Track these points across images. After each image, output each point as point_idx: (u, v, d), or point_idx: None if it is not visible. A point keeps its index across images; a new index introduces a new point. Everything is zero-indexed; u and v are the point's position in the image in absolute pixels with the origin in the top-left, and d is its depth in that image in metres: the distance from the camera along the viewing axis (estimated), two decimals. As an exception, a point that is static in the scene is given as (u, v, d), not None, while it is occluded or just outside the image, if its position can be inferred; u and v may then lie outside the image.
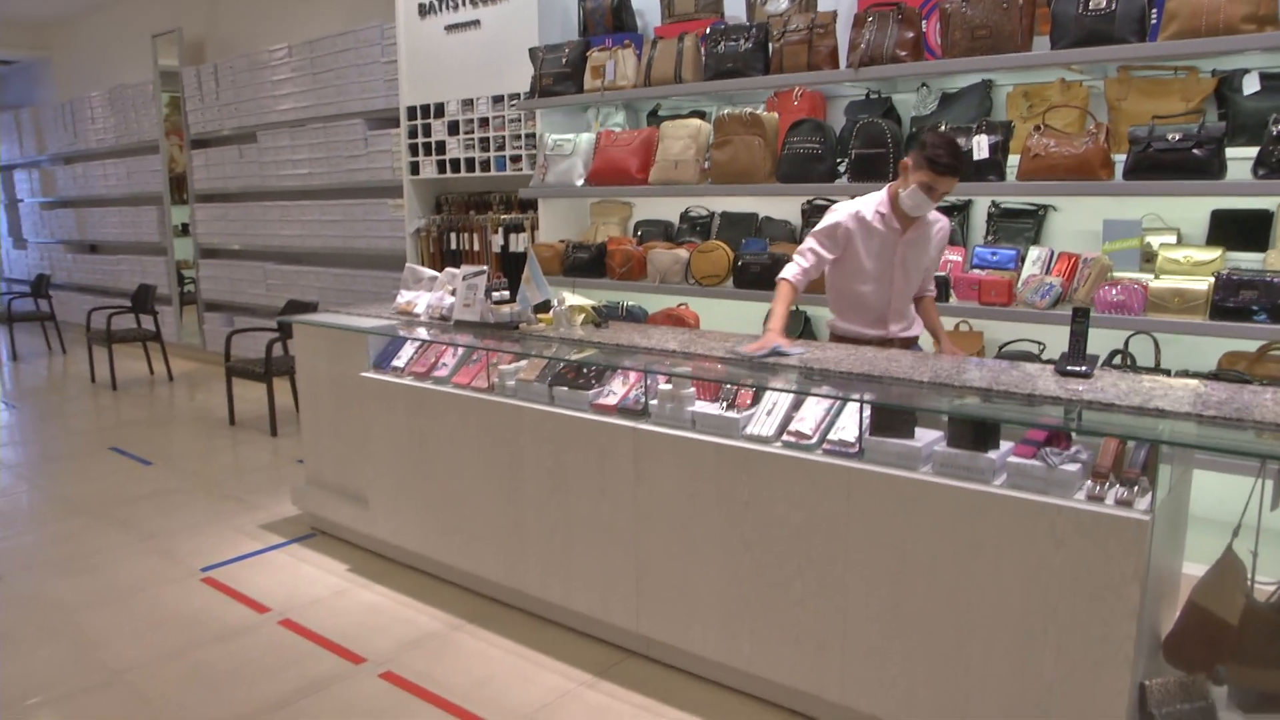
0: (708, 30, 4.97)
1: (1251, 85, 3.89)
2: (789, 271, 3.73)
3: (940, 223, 3.83)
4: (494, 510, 3.86)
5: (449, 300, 4.32)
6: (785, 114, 4.92)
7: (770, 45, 4.79)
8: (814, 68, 4.66)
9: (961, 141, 4.20)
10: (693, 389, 3.29)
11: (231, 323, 9.12)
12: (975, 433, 2.67)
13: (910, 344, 3.91)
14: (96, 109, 11.02)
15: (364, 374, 4.39)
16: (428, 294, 4.54)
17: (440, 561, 4.19)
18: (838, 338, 3.95)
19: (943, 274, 4.31)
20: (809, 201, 5.06)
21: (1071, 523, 2.43)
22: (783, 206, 5.18)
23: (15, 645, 3.82)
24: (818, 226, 3.80)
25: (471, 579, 4.10)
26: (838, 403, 3.00)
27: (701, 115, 5.36)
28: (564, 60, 5.49)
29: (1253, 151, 3.69)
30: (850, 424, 2.91)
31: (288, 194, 8.53)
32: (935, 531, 2.65)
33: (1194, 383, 2.95)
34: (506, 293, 4.05)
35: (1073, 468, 2.51)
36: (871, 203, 3.74)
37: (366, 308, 5.09)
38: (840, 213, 3.76)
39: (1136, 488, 2.45)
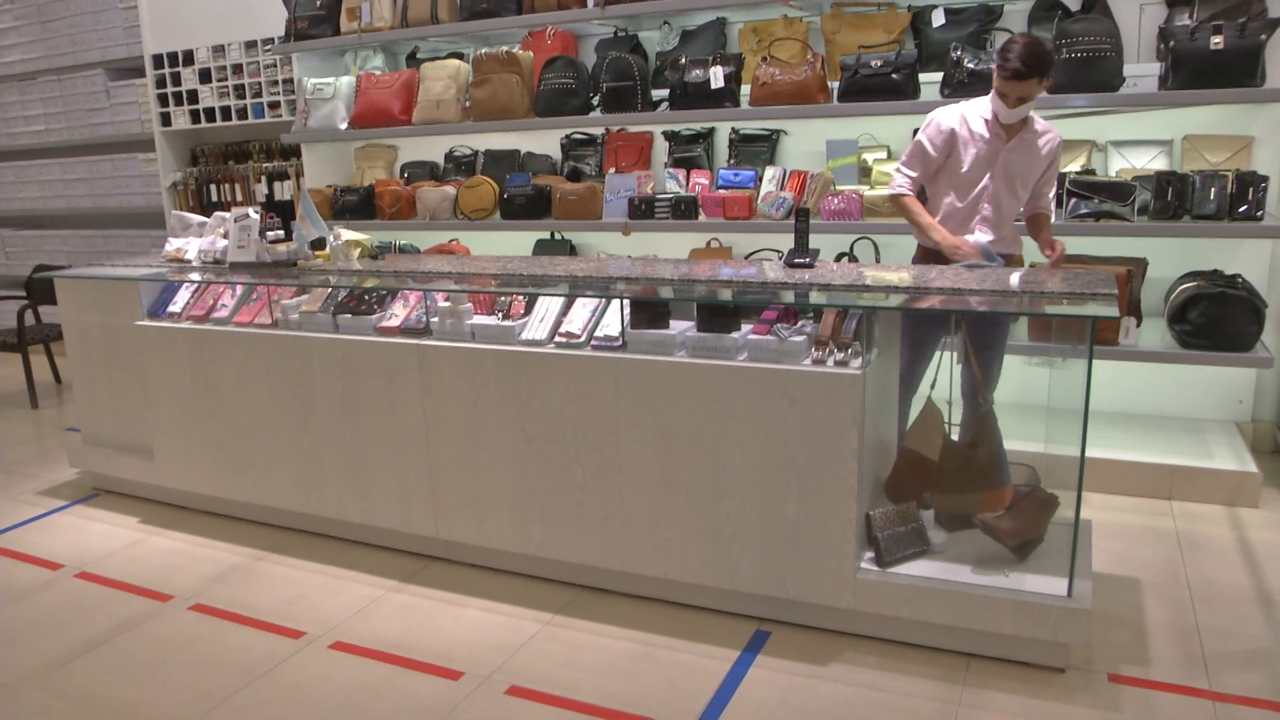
0: (465, -28, 5.16)
1: (938, 19, 4.51)
2: (900, 184, 3.60)
3: (1049, 134, 3.51)
4: (287, 442, 4.00)
5: (222, 244, 4.36)
6: (540, 53, 5.20)
7: (522, -14, 5.04)
8: (564, 8, 4.95)
9: (699, 73, 4.63)
10: (469, 304, 3.56)
11: (-31, 296, 8.52)
12: (720, 317, 3.10)
13: (1008, 261, 3.61)
14: None
15: (139, 323, 4.37)
16: (198, 240, 4.55)
17: (236, 500, 4.28)
18: (924, 252, 3.70)
19: (692, 195, 4.75)
20: (567, 136, 5.39)
21: (801, 384, 2.90)
22: (543, 140, 5.48)
23: None
24: (921, 130, 3.59)
25: (270, 513, 4.23)
26: (602, 303, 3.36)
27: (460, 56, 5.55)
28: (318, 3, 5.52)
29: (940, 76, 4.30)
30: (614, 321, 3.28)
31: (22, 154, 8.01)
32: (692, 406, 3.07)
33: (900, 268, 3.49)
34: (281, 232, 4.15)
35: (800, 339, 2.98)
36: (977, 107, 3.52)
37: (131, 259, 5.01)
38: (944, 115, 3.55)
39: (850, 350, 2.94)
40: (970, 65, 4.17)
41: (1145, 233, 4.14)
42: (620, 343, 3.22)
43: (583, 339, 3.29)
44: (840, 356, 2.93)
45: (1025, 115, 3.42)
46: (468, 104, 5.19)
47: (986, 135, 3.46)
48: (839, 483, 2.91)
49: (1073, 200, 4.15)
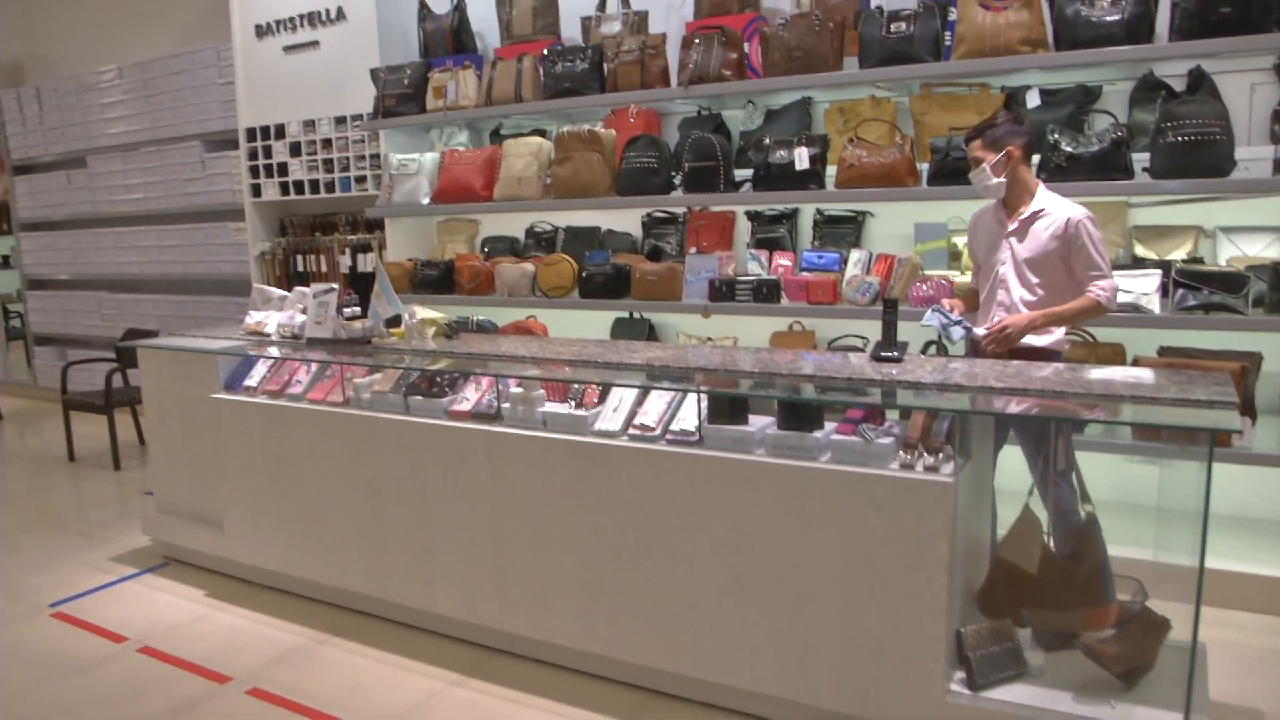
0: (545, 51, 5.18)
1: (1033, 100, 4.35)
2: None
3: (1052, 216, 3.39)
4: (354, 522, 3.93)
5: (300, 318, 4.37)
6: (622, 130, 5.16)
7: (605, 65, 5.04)
8: (647, 86, 4.92)
9: (783, 154, 4.54)
10: (542, 391, 3.47)
11: (65, 356, 8.76)
12: (801, 415, 2.94)
13: (1040, 355, 3.45)
14: (-98, 136, 10.40)
15: (215, 395, 4.38)
16: (278, 313, 4.56)
17: (301, 578, 4.22)
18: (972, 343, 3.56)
19: (774, 278, 4.63)
20: (648, 214, 5.33)
21: (888, 490, 2.72)
22: (623, 219, 5.43)
23: None
24: None
25: (334, 593, 4.15)
26: (678, 395, 3.23)
27: (542, 133, 5.56)
28: (406, 81, 5.60)
29: (1035, 159, 4.13)
30: (690, 415, 3.15)
31: (122, 220, 8.28)
32: (770, 507, 2.91)
33: (992, 362, 3.30)
34: (358, 308, 4.13)
35: (887, 441, 2.81)
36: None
37: (214, 330, 5.06)
38: (979, 209, 3.65)
39: (941, 455, 2.76)
40: (1068, 149, 4.00)
41: (1260, 326, 3.87)
42: (697, 438, 3.08)
43: (658, 432, 3.16)
44: (930, 461, 2.74)
45: (990, 184, 3.41)
46: (549, 181, 5.17)
47: (995, 224, 3.53)
48: (928, 596, 2.71)
49: (1180, 291, 3.91)
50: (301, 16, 6.28)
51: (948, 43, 4.29)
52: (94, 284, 8.66)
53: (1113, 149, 3.93)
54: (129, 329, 7.44)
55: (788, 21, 4.55)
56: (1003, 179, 3.41)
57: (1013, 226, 3.45)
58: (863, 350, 4.39)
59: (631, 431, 3.21)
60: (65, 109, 8.43)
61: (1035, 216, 3.41)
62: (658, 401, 3.25)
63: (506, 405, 3.50)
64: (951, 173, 4.20)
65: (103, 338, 8.35)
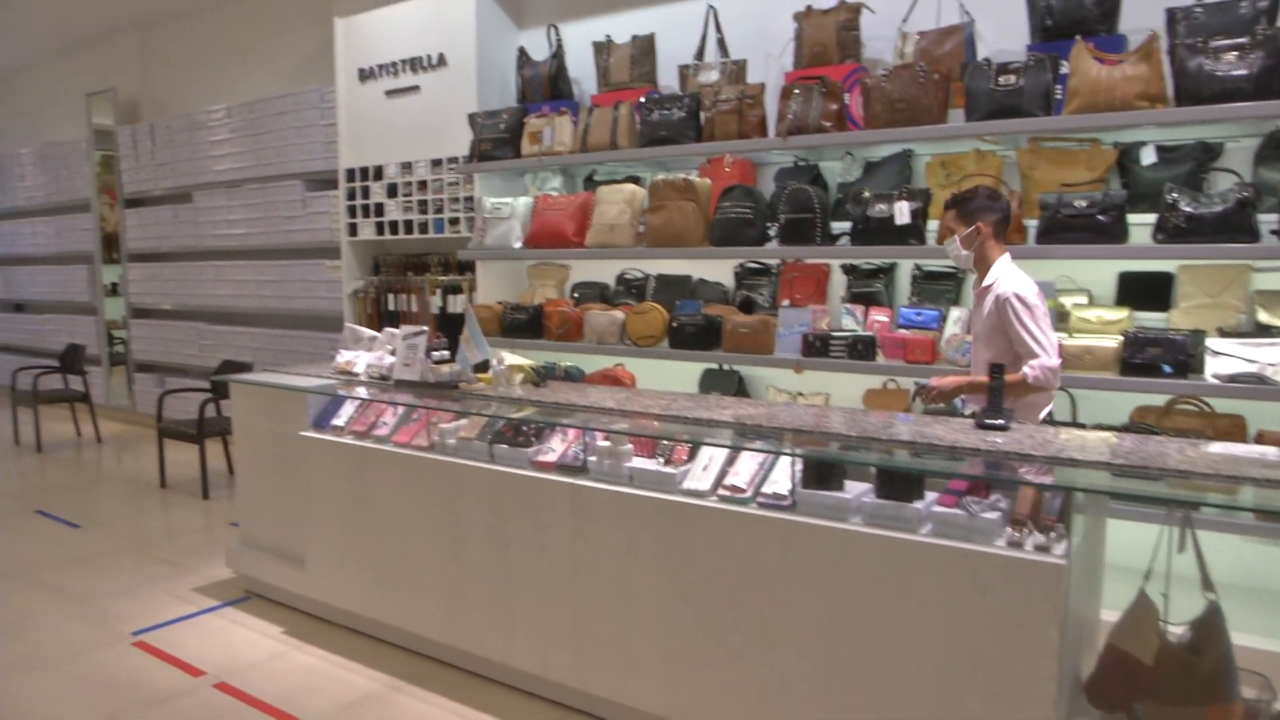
0: (642, 99, 5.16)
1: (1149, 157, 4.16)
2: None
3: (994, 287, 3.52)
4: (434, 568, 3.88)
5: (389, 360, 4.37)
6: (717, 180, 5.10)
7: (702, 114, 4.99)
8: (744, 136, 4.85)
9: (883, 207, 4.42)
10: (630, 445, 3.38)
11: (163, 384, 9.00)
12: (901, 484, 2.80)
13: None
14: (27, 167, 10.88)
15: (303, 433, 4.40)
16: (367, 354, 4.58)
17: (379, 621, 4.19)
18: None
19: (869, 334, 4.49)
20: (741, 264, 5.24)
21: (993, 568, 2.56)
22: (716, 269, 5.35)
23: (-62, 715, 3.74)
24: None
25: (411, 638, 4.10)
26: (771, 457, 3.11)
27: (636, 180, 5.53)
28: (502, 126, 5.63)
29: (1152, 218, 3.94)
30: (783, 478, 3.03)
31: (223, 254, 8.50)
32: (866, 580, 2.76)
33: (1105, 434, 3.12)
34: (446, 352, 4.11)
35: (993, 516, 2.65)
36: None
37: (305, 367, 5.11)
38: None
39: (1053, 534, 2.59)
40: (1188, 209, 3.80)
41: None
42: (789, 502, 2.95)
43: (749, 494, 3.04)
44: (1041, 540, 2.57)
45: (960, 256, 3.62)
46: (642, 229, 5.13)
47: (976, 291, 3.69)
48: (1034, 686, 2.53)
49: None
50: (404, 61, 6.40)
51: (1059, 96, 4.14)
52: (194, 315, 8.90)
53: (1237, 209, 3.72)
54: (225, 360, 7.60)
55: (890, 72, 4.45)
56: (970, 252, 3.61)
57: (976, 298, 3.66)
58: (961, 414, 4.22)
59: (721, 492, 3.10)
60: (176, 145, 8.73)
61: (985, 290, 3.57)
62: (749, 462, 3.14)
63: (593, 458, 3.42)
64: (1061, 229, 4.03)
65: (200, 367, 8.55)
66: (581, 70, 5.83)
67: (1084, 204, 4.02)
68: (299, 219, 7.55)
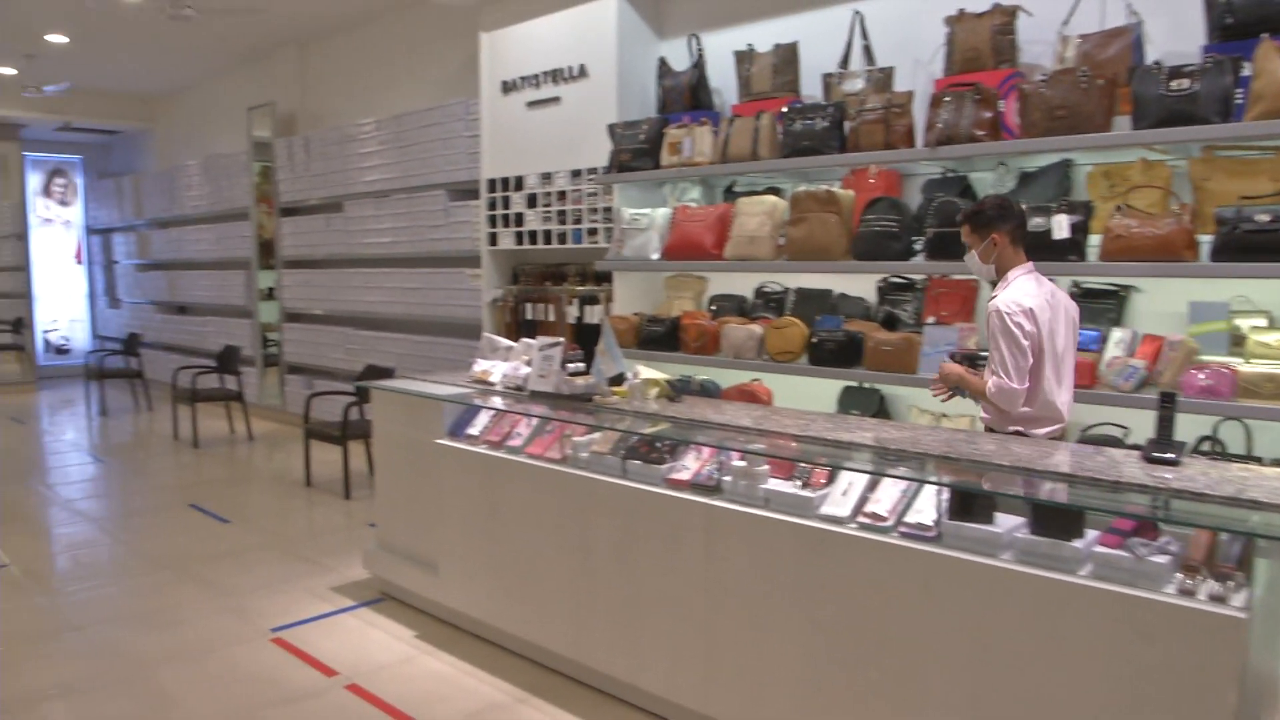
0: (784, 109, 5.03)
1: (1345, 167, 3.81)
2: None
3: (993, 300, 3.57)
4: (563, 582, 3.85)
5: (524, 370, 4.38)
6: (861, 192, 4.93)
7: (846, 124, 4.83)
8: (890, 146, 4.68)
9: (1040, 221, 4.17)
10: (766, 466, 3.27)
11: (311, 385, 9.33)
12: (1059, 520, 2.60)
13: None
14: (193, 177, 11.50)
15: (439, 441, 4.45)
16: (504, 363, 4.60)
17: (507, 631, 4.18)
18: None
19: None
20: (885, 279, 5.05)
21: (1162, 618, 2.34)
22: (858, 284, 5.17)
23: (91, 697, 3.91)
24: None
25: (538, 650, 4.08)
26: (915, 484, 2.95)
27: (777, 192, 5.40)
28: (642, 137, 5.59)
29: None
30: (928, 507, 2.87)
31: (371, 261, 8.76)
32: (1017, 622, 2.58)
33: (1289, 473, 2.84)
34: (582, 364, 4.09)
35: (1162, 560, 2.43)
36: None
37: (443, 375, 5.17)
38: None
39: (1231, 582, 2.35)
40: (1391, 226, 3.45)
41: None
42: (934, 534, 2.79)
43: (890, 523, 2.89)
44: (1217, 589, 2.34)
45: (980, 269, 3.64)
46: (782, 241, 5.00)
47: None
48: (1207, 750, 2.30)
49: None
50: (546, 73, 6.45)
51: (1239, 100, 3.83)
52: (342, 320, 9.20)
53: None
54: (369, 365, 7.80)
55: (1050, 77, 4.20)
56: (990, 264, 3.59)
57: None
58: (1123, 443, 3.94)
59: (861, 519, 2.96)
60: (328, 157, 9.04)
61: (993, 300, 3.56)
62: (891, 489, 2.98)
63: (728, 478, 3.33)
64: (1240, 247, 3.72)
65: (346, 371, 8.82)
66: (722, 80, 5.74)
67: (1267, 218, 3.70)
68: (442, 228, 7.70)
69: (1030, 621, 2.55)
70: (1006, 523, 2.73)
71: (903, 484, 2.98)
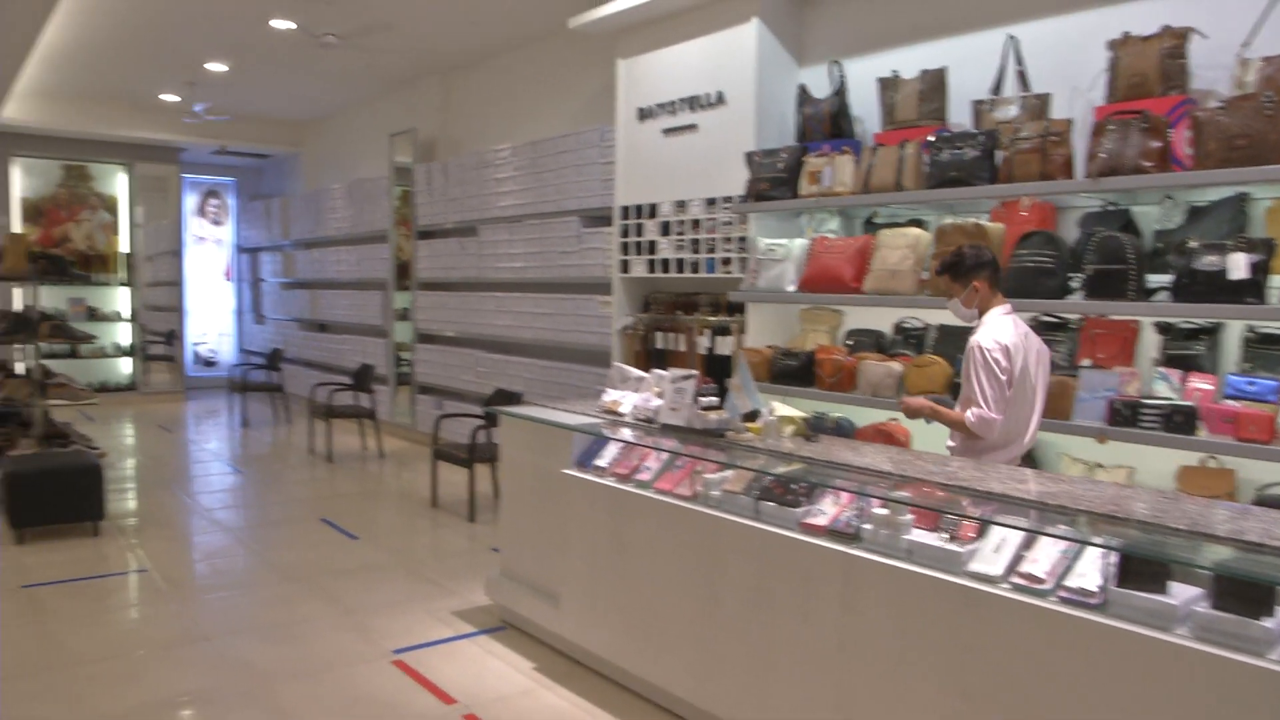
0: (931, 137, 4.83)
1: None
2: None
3: (972, 338, 3.83)
4: (689, 624, 3.71)
5: (655, 402, 4.28)
6: (1012, 225, 4.68)
7: (998, 153, 4.60)
8: (1046, 177, 4.43)
9: (1214, 259, 3.86)
10: (910, 516, 3.07)
11: (441, 406, 9.47)
12: (1245, 594, 2.34)
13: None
14: (336, 200, 11.89)
15: (566, 471, 4.38)
16: (634, 394, 4.51)
17: (629, 670, 4.07)
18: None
19: (1189, 404, 3.94)
20: (1035, 318, 4.77)
21: (1370, 714, 2.07)
22: (1006, 321, 4.90)
23: (214, 708, 3.97)
24: None
25: (659, 693, 3.95)
26: (1077, 545, 2.72)
27: (920, 224, 5.19)
28: (780, 165, 5.46)
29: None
30: (1091, 570, 2.63)
31: (503, 285, 8.85)
32: (1193, 706, 2.32)
33: None
34: (715, 399, 3.97)
35: (1370, 648, 2.15)
36: None
37: (571, 403, 5.12)
38: None
39: None
40: None
41: None
42: (1099, 600, 2.55)
43: (1048, 586, 2.66)
44: None
45: (964, 314, 3.93)
46: (925, 275, 4.78)
47: None
48: None
49: None
50: (683, 100, 6.39)
51: None
52: (473, 342, 9.31)
53: None
54: (498, 389, 7.85)
55: (1228, 104, 3.90)
56: (974, 309, 3.88)
57: None
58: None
59: (1015, 579, 2.74)
60: (465, 182, 9.20)
61: (972, 337, 3.79)
62: (1050, 547, 2.75)
63: (868, 526, 3.14)
64: None
65: (475, 393, 8.91)
66: (864, 108, 5.57)
67: None
68: (574, 254, 7.71)
69: (1210, 706, 2.29)
70: (1182, 593, 2.48)
71: (1063, 543, 2.75)
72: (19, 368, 8.02)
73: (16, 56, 8.81)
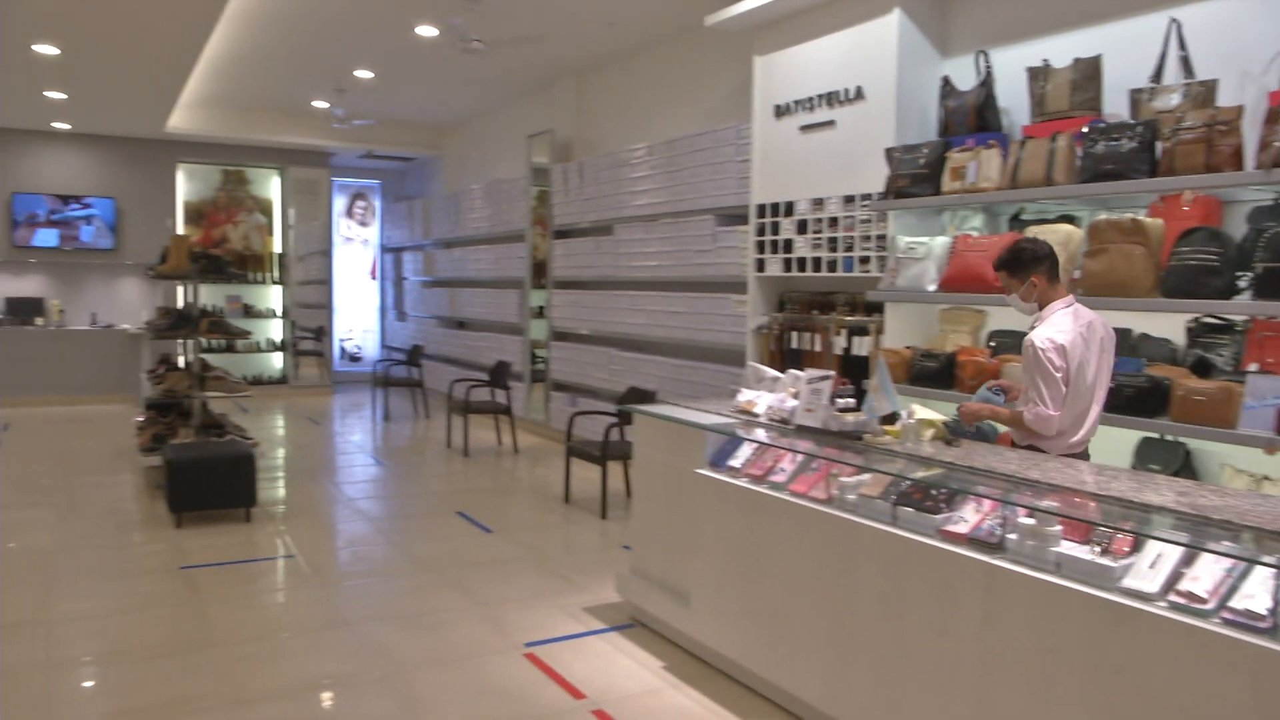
0: (1085, 129, 4.60)
1: None
2: None
3: (1032, 331, 3.86)
4: (821, 629, 3.64)
5: (790, 403, 4.21)
6: (1172, 221, 4.42)
7: (1158, 144, 4.34)
8: (1212, 169, 4.15)
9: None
10: (1059, 527, 2.93)
11: (575, 403, 9.57)
12: None
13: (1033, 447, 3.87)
14: (476, 200, 12.17)
15: (699, 470, 4.35)
16: (769, 395, 4.45)
17: (758, 674, 4.01)
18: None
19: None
20: (1196, 319, 4.50)
21: None
22: (1163, 323, 4.64)
23: (351, 693, 4.10)
24: None
25: (789, 698, 3.88)
26: (1245, 564, 2.53)
27: (1071, 220, 4.95)
28: (921, 161, 5.30)
29: None
30: (1261, 592, 2.44)
31: (637, 284, 8.88)
32: (1379, 742, 2.13)
33: None
34: (852, 400, 3.87)
35: None
36: None
37: (705, 402, 5.09)
38: None
39: None
40: None
41: None
42: (1269, 625, 2.37)
43: (1211, 606, 2.49)
44: None
45: (1024, 308, 3.94)
46: (1077, 274, 4.56)
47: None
48: None
49: None
50: (821, 96, 6.27)
51: None
52: (607, 340, 9.38)
53: None
54: (631, 387, 7.88)
55: None
56: (1034, 303, 3.89)
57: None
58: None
59: (1174, 598, 2.57)
60: (601, 182, 9.28)
61: (1030, 334, 3.83)
62: (1213, 565, 2.57)
63: (1013, 536, 3.01)
64: None
65: (608, 391, 8.98)
66: (1011, 99, 5.35)
67: None
68: (709, 253, 7.68)
69: (1400, 745, 2.10)
70: (1368, 620, 2.28)
71: (1227, 561, 2.56)
72: (180, 361, 8.49)
73: (183, 70, 9.34)
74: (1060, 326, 3.75)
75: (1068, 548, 2.86)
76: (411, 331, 14.65)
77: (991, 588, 2.97)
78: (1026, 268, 3.84)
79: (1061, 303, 3.85)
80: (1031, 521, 2.94)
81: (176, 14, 7.37)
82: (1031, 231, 4.81)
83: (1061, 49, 5.09)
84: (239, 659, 4.39)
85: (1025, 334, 5.08)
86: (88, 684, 4.20)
